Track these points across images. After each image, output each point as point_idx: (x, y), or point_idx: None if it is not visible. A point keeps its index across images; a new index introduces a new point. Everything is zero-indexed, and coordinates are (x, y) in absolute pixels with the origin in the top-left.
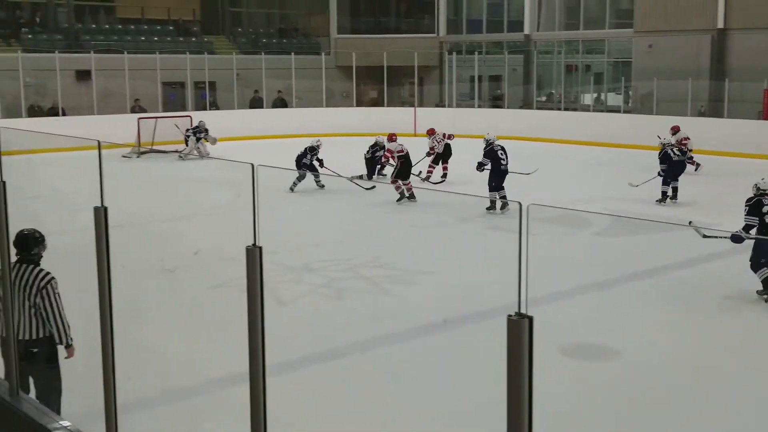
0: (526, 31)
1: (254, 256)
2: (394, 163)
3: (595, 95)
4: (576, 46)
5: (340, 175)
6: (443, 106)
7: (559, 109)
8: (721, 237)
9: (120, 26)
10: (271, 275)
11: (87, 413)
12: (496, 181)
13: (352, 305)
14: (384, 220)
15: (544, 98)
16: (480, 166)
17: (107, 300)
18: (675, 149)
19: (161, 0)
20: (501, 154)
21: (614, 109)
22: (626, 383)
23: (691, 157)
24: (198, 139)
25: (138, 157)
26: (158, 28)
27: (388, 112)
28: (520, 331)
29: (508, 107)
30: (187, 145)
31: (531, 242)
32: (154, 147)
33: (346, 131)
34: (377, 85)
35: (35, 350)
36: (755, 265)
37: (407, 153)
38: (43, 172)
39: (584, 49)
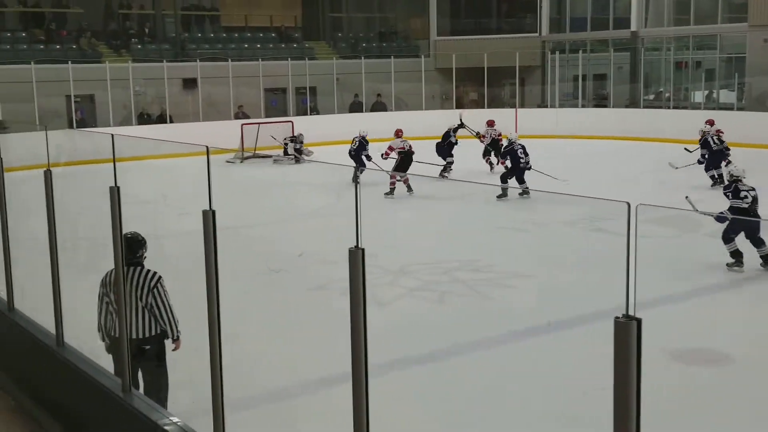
0: (633, 27)
1: (357, 258)
2: (395, 158)
3: (707, 92)
4: (686, 42)
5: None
6: (545, 106)
7: (668, 107)
8: (709, 214)
9: (224, 34)
10: (369, 278)
11: (194, 410)
12: (516, 176)
13: (449, 308)
14: (481, 223)
15: (651, 97)
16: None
17: (215, 300)
18: (714, 137)
19: (264, 8)
20: (521, 153)
21: (727, 107)
22: (738, 389)
23: (728, 148)
24: (296, 149)
25: (241, 162)
26: (261, 35)
27: (489, 113)
28: (628, 334)
29: (613, 106)
30: (285, 154)
31: (640, 244)
32: (257, 152)
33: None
34: (477, 86)
35: (147, 347)
36: (725, 239)
37: (409, 149)
38: (152, 178)
39: (695, 45)
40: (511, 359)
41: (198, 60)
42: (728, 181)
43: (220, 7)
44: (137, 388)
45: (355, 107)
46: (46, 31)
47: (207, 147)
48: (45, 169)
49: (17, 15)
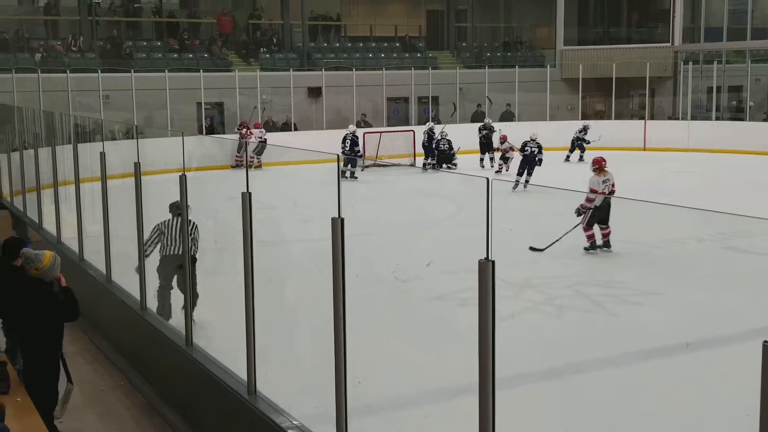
0: None
1: (486, 270)
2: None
3: None
4: None
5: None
6: (677, 118)
7: None
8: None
9: (349, 44)
10: None
11: (317, 415)
12: (527, 170)
13: (573, 323)
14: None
15: None
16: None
17: (341, 306)
18: None
19: (389, 18)
20: (536, 151)
21: None
22: None
23: None
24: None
25: (363, 170)
26: (385, 45)
27: (616, 125)
28: None
29: (750, 119)
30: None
31: None
32: (379, 160)
33: (570, 145)
34: (604, 97)
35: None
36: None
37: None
38: (280, 184)
39: None
40: (640, 379)
41: (323, 69)
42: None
43: (346, 17)
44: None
45: (478, 117)
46: (179, 41)
47: (338, 155)
48: (180, 173)
49: (153, 25)
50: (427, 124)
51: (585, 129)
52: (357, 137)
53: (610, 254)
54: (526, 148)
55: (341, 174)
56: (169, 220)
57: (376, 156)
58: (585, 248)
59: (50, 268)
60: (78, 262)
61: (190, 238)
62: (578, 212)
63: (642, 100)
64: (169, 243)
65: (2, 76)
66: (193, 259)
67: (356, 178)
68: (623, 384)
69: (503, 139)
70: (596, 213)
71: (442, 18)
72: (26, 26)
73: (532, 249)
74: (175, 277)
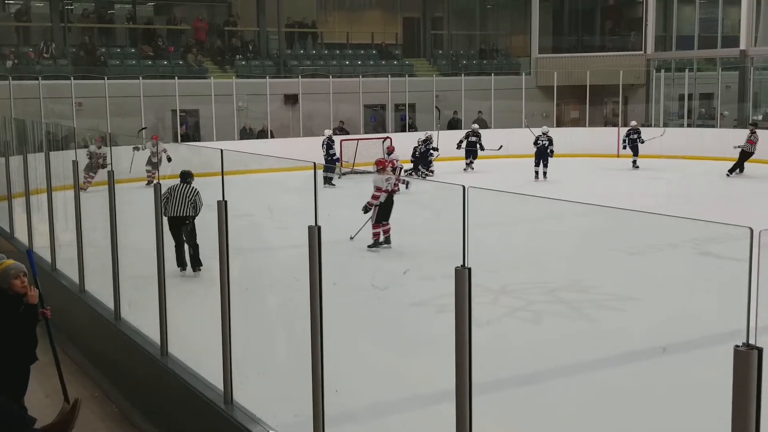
0: (742, 46)
1: (463, 276)
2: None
3: None
4: None
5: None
6: (649, 125)
7: None
8: None
9: (326, 51)
10: None
11: (295, 424)
12: (542, 161)
13: (551, 329)
14: (584, 243)
15: (760, 117)
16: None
17: (318, 314)
18: None
19: (365, 25)
20: (547, 143)
21: None
22: None
23: None
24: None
25: (339, 177)
26: (362, 52)
27: (590, 132)
28: (748, 363)
29: (720, 127)
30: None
31: (763, 268)
32: (356, 168)
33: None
34: (579, 104)
35: (187, 222)
36: None
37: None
38: (256, 192)
39: None
40: (618, 383)
41: (300, 76)
42: None
43: (322, 24)
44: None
45: (454, 124)
46: (154, 47)
47: (315, 163)
48: (156, 181)
49: (126, 31)
50: (425, 134)
51: (636, 130)
52: (333, 141)
53: (590, 260)
54: (538, 142)
55: (325, 180)
56: (176, 185)
57: (353, 163)
58: (369, 246)
59: None
60: (50, 272)
61: (190, 200)
62: (365, 209)
63: (615, 108)
64: (174, 205)
65: None
66: (194, 219)
67: (333, 185)
68: (601, 388)
69: (390, 150)
70: (381, 210)
71: (418, 25)
72: None
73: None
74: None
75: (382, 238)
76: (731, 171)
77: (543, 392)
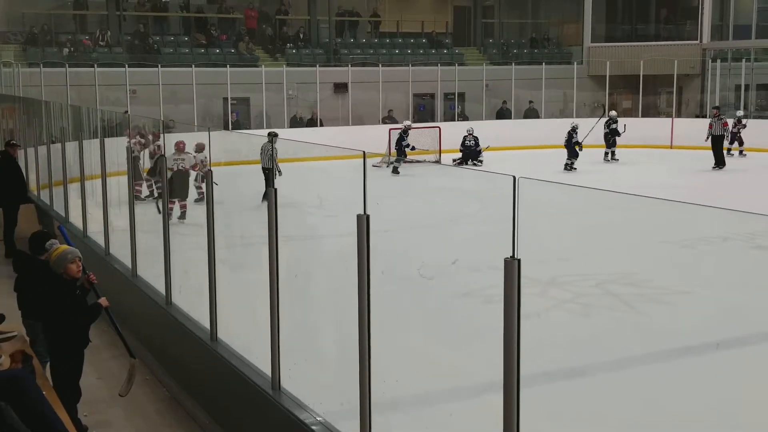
0: None
1: (512, 267)
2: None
3: None
4: None
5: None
6: (704, 116)
7: None
8: None
9: (376, 40)
10: None
11: (341, 411)
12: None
13: (600, 322)
14: (635, 235)
15: None
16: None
17: (366, 303)
18: None
19: (416, 13)
20: (575, 135)
21: None
22: None
23: None
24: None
25: (387, 166)
26: (412, 41)
27: (643, 122)
28: None
29: None
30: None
31: None
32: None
33: (597, 142)
34: (631, 95)
35: (267, 172)
36: None
37: None
38: (305, 180)
39: None
40: (669, 379)
41: (349, 65)
42: None
43: (373, 13)
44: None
45: (503, 114)
46: (206, 36)
47: (364, 152)
48: (206, 168)
49: (180, 20)
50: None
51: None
52: (407, 133)
53: (641, 253)
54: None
55: (393, 169)
56: (266, 143)
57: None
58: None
59: (54, 262)
60: (104, 257)
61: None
62: None
63: (670, 98)
64: (263, 157)
65: (31, 70)
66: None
67: (399, 173)
68: (651, 384)
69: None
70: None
71: (469, 14)
72: (54, 21)
73: None
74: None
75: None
76: None
77: (591, 386)
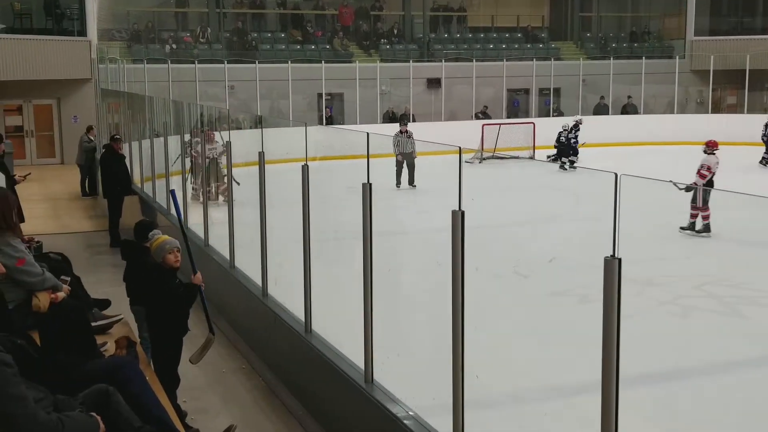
0: None
1: (612, 267)
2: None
3: None
4: None
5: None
6: None
7: None
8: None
9: (470, 35)
10: None
11: (433, 406)
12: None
13: (698, 324)
14: (736, 236)
15: None
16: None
17: (460, 299)
18: None
19: (511, 7)
20: (576, 134)
21: None
22: None
23: None
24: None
25: (480, 162)
26: (506, 35)
27: (749, 119)
28: None
29: None
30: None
31: None
32: (497, 153)
33: (699, 140)
34: (736, 90)
35: None
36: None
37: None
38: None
39: None
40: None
41: (443, 60)
42: None
43: (468, 7)
44: None
45: (600, 110)
46: (302, 32)
47: (459, 147)
48: (302, 163)
49: (277, 16)
50: (575, 119)
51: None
52: (578, 128)
53: (744, 255)
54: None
55: (561, 165)
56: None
57: (494, 148)
58: (681, 228)
59: (154, 251)
60: (203, 248)
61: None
62: (687, 188)
63: None
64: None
65: (135, 66)
66: None
67: (566, 168)
68: (752, 389)
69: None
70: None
71: (566, 7)
72: (157, 18)
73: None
74: None
75: (700, 225)
76: None
77: (690, 390)
